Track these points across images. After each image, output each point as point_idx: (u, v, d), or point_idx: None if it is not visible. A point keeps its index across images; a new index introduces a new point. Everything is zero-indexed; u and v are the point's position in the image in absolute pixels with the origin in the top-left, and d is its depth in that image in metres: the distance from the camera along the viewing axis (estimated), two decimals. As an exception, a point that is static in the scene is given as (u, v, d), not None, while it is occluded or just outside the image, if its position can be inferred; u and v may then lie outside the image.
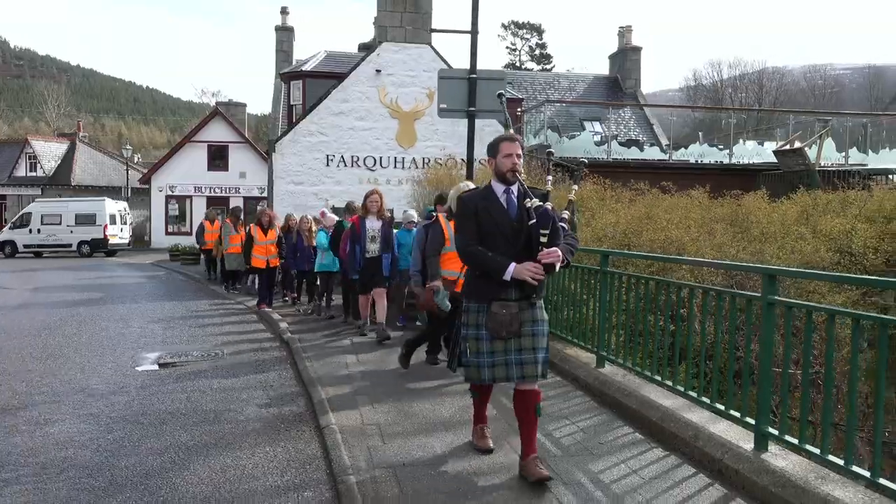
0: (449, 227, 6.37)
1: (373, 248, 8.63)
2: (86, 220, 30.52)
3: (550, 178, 4.45)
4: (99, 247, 30.48)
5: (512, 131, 4.25)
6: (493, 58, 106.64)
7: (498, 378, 3.99)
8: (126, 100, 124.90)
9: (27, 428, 5.34)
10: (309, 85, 20.44)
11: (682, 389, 4.93)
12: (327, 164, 18.91)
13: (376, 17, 19.23)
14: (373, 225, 8.70)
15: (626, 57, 29.27)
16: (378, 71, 18.72)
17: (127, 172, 39.70)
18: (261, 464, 4.51)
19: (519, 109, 22.51)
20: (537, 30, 61.95)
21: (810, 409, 4.28)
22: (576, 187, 4.67)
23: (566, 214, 4.32)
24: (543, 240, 3.79)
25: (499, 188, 4.03)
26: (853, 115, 22.35)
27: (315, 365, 7.22)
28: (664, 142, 22.36)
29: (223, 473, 4.34)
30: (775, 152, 17.21)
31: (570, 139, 18.40)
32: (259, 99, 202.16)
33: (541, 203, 3.90)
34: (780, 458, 3.90)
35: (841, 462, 3.50)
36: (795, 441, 3.83)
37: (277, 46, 28.04)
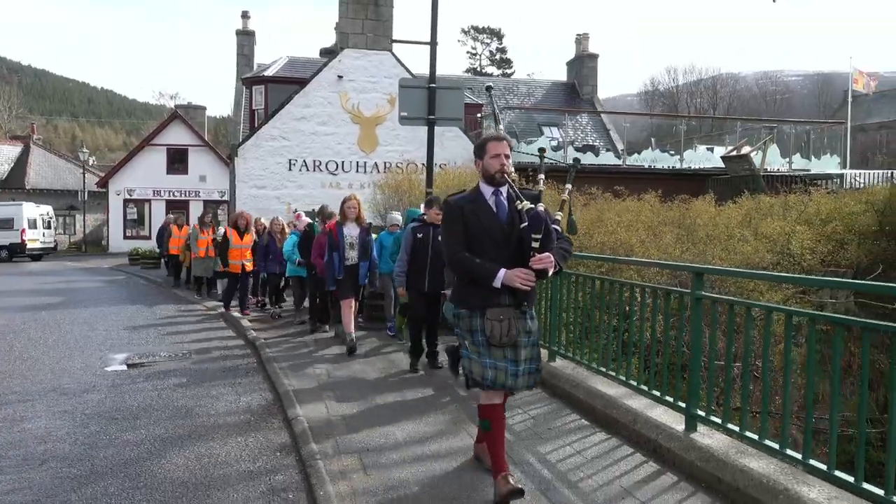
0: None
1: (352, 255, 8.37)
2: (3, 224, 30.70)
3: (542, 176, 4.23)
4: (17, 251, 30.82)
5: (502, 129, 4.13)
6: (453, 62, 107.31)
7: (499, 382, 3.73)
8: (80, 101, 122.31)
9: (4, 425, 5.55)
10: (271, 90, 20.63)
11: (623, 379, 5.37)
12: (290, 169, 19.13)
13: (338, 23, 19.54)
14: (351, 231, 8.41)
15: (583, 63, 30.03)
16: (340, 77, 19.03)
17: (84, 176, 39.15)
18: (233, 452, 4.82)
19: (479, 115, 23.02)
20: (497, 34, 62.69)
21: (748, 397, 4.72)
22: (569, 186, 4.40)
23: (559, 216, 4.15)
24: (535, 244, 3.60)
25: (487, 190, 3.82)
26: (797, 122, 23.37)
27: (283, 366, 7.51)
28: (620, 147, 23.06)
29: (198, 461, 4.64)
30: (723, 158, 18.00)
31: (528, 144, 18.91)
32: (218, 101, 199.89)
33: (532, 205, 3.70)
34: (706, 438, 4.35)
35: (756, 437, 3.96)
36: (719, 420, 4.30)
37: (238, 50, 28.08)
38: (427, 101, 10.03)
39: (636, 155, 19.85)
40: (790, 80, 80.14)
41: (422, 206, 8.41)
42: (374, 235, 9.11)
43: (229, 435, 5.22)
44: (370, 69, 19.16)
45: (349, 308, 8.37)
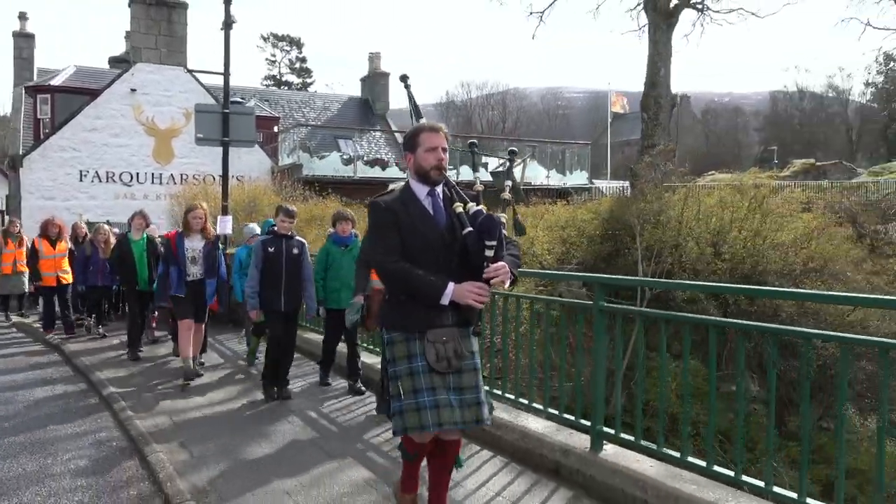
0: None
1: (193, 270, 7.33)
2: None
3: (479, 174, 3.58)
4: None
5: (426, 121, 3.43)
6: (253, 68, 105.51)
7: (445, 422, 3.09)
8: None
9: None
10: (58, 99, 20.34)
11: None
12: (81, 180, 19.10)
13: (130, 36, 19.81)
14: (193, 244, 7.36)
15: (375, 81, 32.07)
16: (133, 90, 19.35)
17: None
18: (58, 415, 5.82)
19: (276, 128, 24.14)
20: (297, 43, 62.77)
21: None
22: (509, 183, 3.51)
23: (503, 217, 3.34)
24: (489, 253, 3.05)
25: (420, 190, 3.26)
26: (552, 142, 27.23)
27: (90, 359, 8.27)
28: (408, 160, 25.25)
29: (31, 432, 5.56)
30: (491, 173, 20.75)
31: (321, 159, 20.44)
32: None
33: (479, 207, 3.22)
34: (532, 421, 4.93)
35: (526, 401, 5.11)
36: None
37: (16, 53, 26.69)
38: (221, 123, 11.24)
39: (418, 169, 22.01)
40: (572, 97, 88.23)
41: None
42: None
43: (53, 412, 6.07)
44: (164, 83, 19.65)
45: (188, 330, 7.34)
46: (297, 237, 6.65)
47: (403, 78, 4.01)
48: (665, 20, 17.82)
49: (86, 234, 11.64)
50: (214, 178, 16.64)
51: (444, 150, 3.25)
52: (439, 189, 3.29)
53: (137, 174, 19.64)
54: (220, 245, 8.03)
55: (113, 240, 10.56)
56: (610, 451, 4.29)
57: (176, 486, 4.21)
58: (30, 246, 11.48)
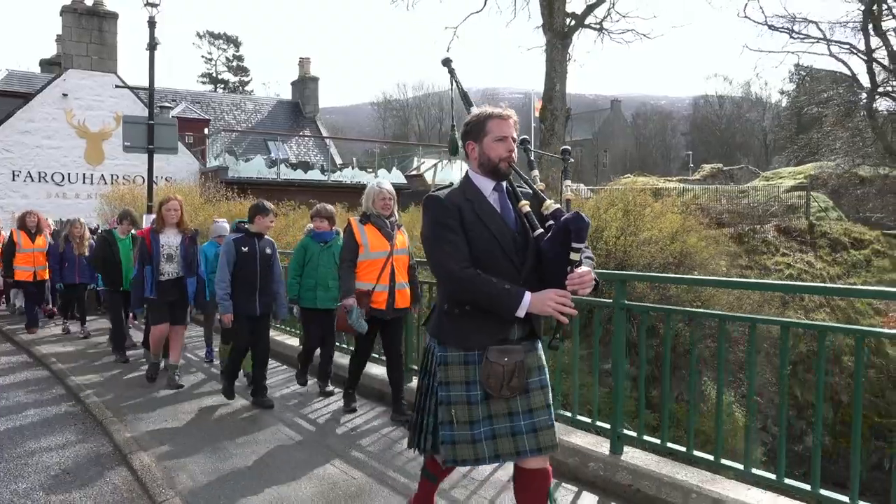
0: (363, 232, 5.40)
1: (169, 268, 6.82)
2: None
3: (537, 172, 3.10)
4: None
5: (490, 107, 2.96)
6: (189, 66, 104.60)
7: (504, 454, 2.79)
8: None
9: None
10: (-9, 102, 21.19)
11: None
12: (13, 179, 20.03)
13: (61, 42, 20.77)
14: (169, 241, 6.87)
15: (305, 85, 33.44)
16: (65, 95, 20.36)
17: None
18: (37, 423, 5.83)
19: (206, 130, 25.30)
20: (234, 42, 62.75)
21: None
22: (569, 182, 3.06)
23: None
24: (575, 256, 2.63)
25: (486, 185, 2.87)
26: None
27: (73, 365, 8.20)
28: (339, 161, 26.73)
29: (10, 440, 5.40)
30: (406, 176, 22.48)
31: (246, 161, 21.76)
32: None
33: (558, 205, 2.83)
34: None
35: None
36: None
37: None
38: (147, 133, 12.61)
39: (339, 172, 23.60)
40: (512, 98, 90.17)
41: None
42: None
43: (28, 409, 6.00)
44: (96, 88, 20.71)
45: (161, 336, 7.00)
46: (267, 236, 6.24)
47: (446, 62, 3.65)
48: (561, 40, 19.76)
49: (53, 230, 11.20)
50: (143, 180, 17.72)
51: (514, 139, 2.86)
52: (504, 185, 2.91)
53: (69, 175, 20.66)
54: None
55: (88, 234, 10.38)
56: (631, 454, 4.19)
57: (165, 493, 4.11)
58: (7, 237, 10.91)
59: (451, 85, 3.54)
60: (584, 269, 2.61)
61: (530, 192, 2.92)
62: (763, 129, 63.57)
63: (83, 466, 4.79)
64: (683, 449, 3.96)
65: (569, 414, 4.58)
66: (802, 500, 3.53)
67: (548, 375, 2.92)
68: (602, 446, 4.30)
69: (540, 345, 2.93)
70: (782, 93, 60.98)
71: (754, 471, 3.61)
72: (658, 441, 4.10)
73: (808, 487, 3.40)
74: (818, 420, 3.44)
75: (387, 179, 8.65)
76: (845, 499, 3.23)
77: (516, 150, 2.87)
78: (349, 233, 5.45)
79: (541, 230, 2.76)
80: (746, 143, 63.41)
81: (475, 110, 2.96)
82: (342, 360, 6.79)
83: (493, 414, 2.77)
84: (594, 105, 77.38)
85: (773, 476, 3.54)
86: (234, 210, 14.21)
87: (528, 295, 2.63)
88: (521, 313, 2.64)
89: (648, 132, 70.48)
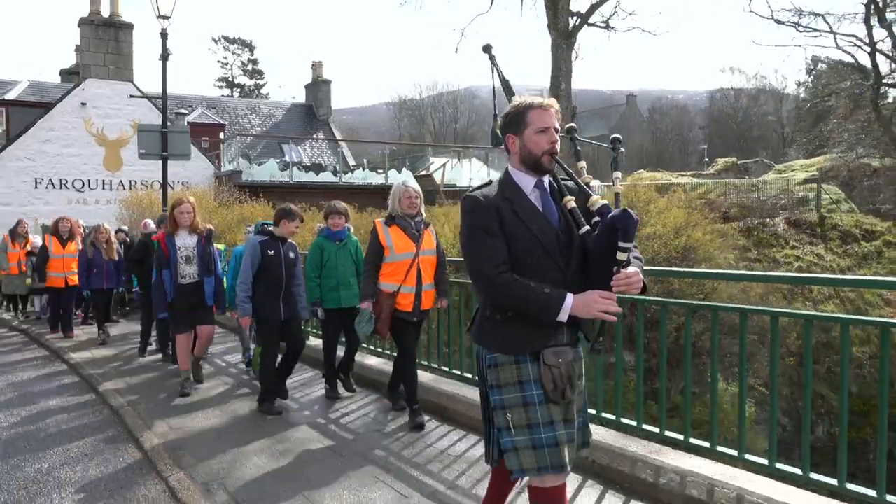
0: (388, 234, 5.34)
1: (189, 271, 6.70)
2: None
3: (583, 164, 2.86)
4: None
5: (550, 97, 2.79)
6: (206, 70, 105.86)
7: (569, 461, 2.59)
8: None
9: None
10: (13, 112, 21.91)
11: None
12: (35, 187, 20.69)
13: (80, 53, 21.40)
14: (185, 242, 6.74)
15: (318, 88, 33.95)
16: (84, 104, 20.98)
17: None
18: (67, 428, 5.87)
19: (221, 135, 25.82)
20: (249, 46, 63.31)
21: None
22: (618, 174, 2.79)
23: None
24: (622, 256, 2.47)
25: (527, 182, 2.68)
26: (477, 147, 29.42)
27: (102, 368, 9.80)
28: (352, 163, 27.17)
29: (44, 428, 5.83)
30: (416, 177, 22.77)
31: (259, 165, 22.22)
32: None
33: (605, 202, 2.66)
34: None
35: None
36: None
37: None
38: (161, 140, 13.08)
39: (350, 174, 24.02)
40: (529, 94, 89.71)
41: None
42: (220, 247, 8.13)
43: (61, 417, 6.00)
44: (114, 97, 21.30)
45: (187, 343, 6.86)
46: (290, 240, 6.19)
47: (487, 48, 3.51)
48: (565, 39, 20.01)
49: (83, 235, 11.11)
50: (161, 185, 18.34)
51: (556, 130, 2.66)
52: (546, 180, 2.72)
53: (89, 181, 21.28)
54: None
55: (114, 239, 10.49)
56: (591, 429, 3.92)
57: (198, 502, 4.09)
58: (40, 243, 11.20)
59: (492, 73, 3.42)
60: (631, 269, 2.48)
61: (575, 186, 2.75)
62: (780, 122, 62.96)
63: (117, 478, 4.70)
64: (684, 437, 4.13)
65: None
66: (757, 473, 3.69)
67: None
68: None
69: (581, 351, 2.78)
70: (799, 84, 60.44)
71: (779, 465, 3.71)
72: (657, 430, 4.27)
73: (834, 482, 3.44)
74: (843, 413, 3.52)
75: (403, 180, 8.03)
76: (872, 493, 3.28)
77: (559, 142, 2.68)
78: (374, 235, 5.38)
79: (587, 227, 2.62)
80: (764, 136, 62.82)
81: (515, 100, 2.75)
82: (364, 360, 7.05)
83: (554, 419, 2.57)
84: (610, 100, 77.17)
85: (764, 461, 3.71)
86: (246, 213, 14.65)
87: (570, 298, 2.51)
88: (563, 317, 2.51)
89: (665, 126, 69.95)
